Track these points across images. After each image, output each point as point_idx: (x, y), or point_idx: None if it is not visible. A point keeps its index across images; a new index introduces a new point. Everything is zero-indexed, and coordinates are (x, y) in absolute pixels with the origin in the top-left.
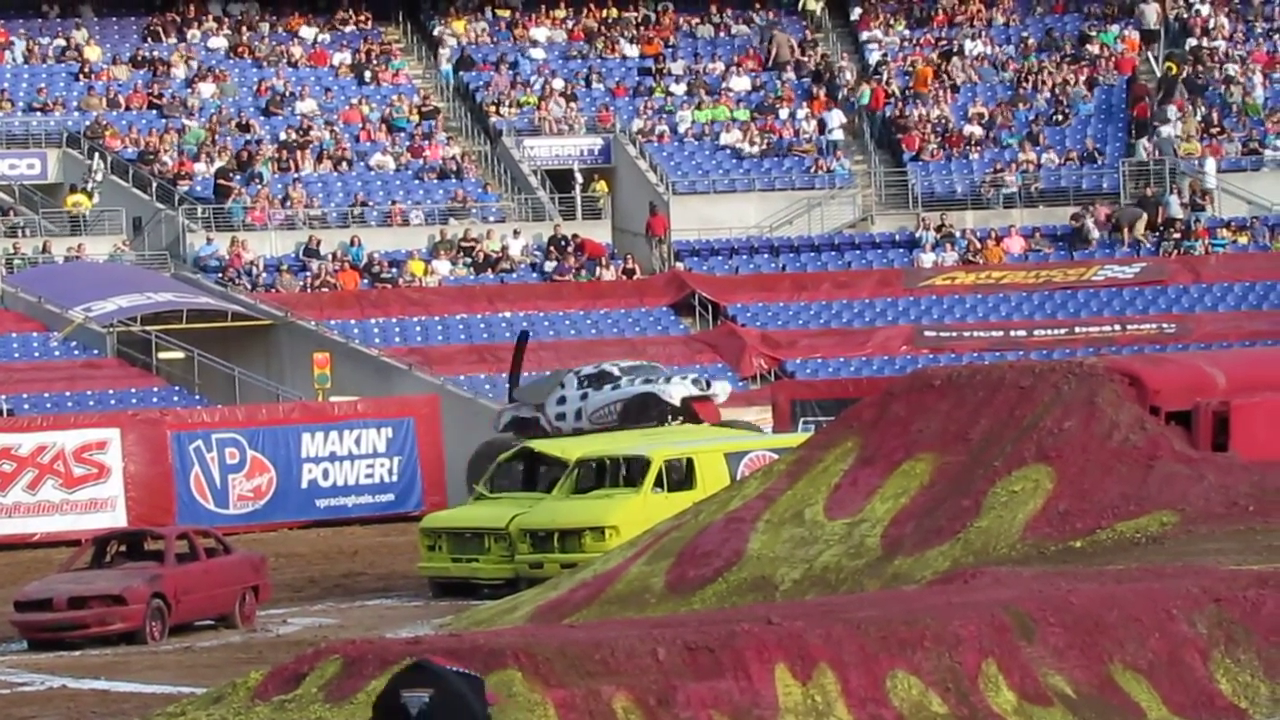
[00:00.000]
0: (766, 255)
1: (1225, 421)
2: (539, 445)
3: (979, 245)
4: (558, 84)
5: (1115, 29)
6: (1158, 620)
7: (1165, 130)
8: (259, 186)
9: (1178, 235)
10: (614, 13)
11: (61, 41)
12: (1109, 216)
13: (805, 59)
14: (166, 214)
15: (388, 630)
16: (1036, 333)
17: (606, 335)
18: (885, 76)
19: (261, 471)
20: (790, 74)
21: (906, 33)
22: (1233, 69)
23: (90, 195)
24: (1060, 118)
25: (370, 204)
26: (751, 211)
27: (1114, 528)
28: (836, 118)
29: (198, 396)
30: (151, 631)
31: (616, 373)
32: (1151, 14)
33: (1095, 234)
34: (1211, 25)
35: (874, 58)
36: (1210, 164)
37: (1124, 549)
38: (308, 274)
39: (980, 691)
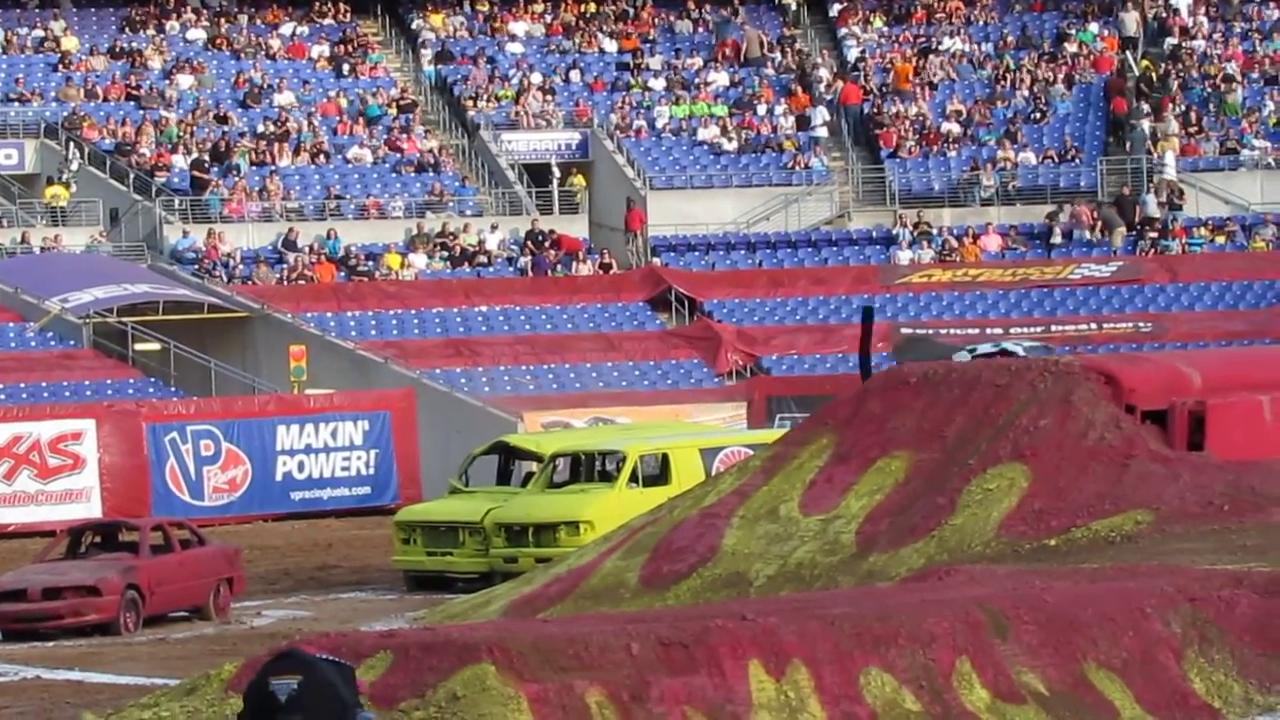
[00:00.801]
0: (743, 251)
1: (1201, 421)
2: (514, 439)
3: (956, 243)
4: (536, 78)
5: (1094, 27)
6: (1132, 619)
7: (1142, 127)
8: (236, 179)
9: (1155, 234)
10: (592, 7)
11: (40, 32)
12: (1094, 217)
13: (783, 55)
14: (144, 205)
15: (362, 623)
16: (1013, 331)
17: (583, 330)
18: (863, 73)
19: (236, 464)
20: (769, 70)
21: (885, 29)
22: (1211, 69)
23: (68, 186)
24: (1038, 116)
25: (347, 197)
26: (729, 207)
27: (1089, 526)
28: (820, 114)
29: (173, 388)
30: (125, 623)
31: (1020, 352)
32: (1131, 21)
33: (1075, 232)
34: (1191, 25)
35: (852, 54)
36: (1170, 158)
37: (1099, 548)
38: (284, 266)
39: (954, 689)
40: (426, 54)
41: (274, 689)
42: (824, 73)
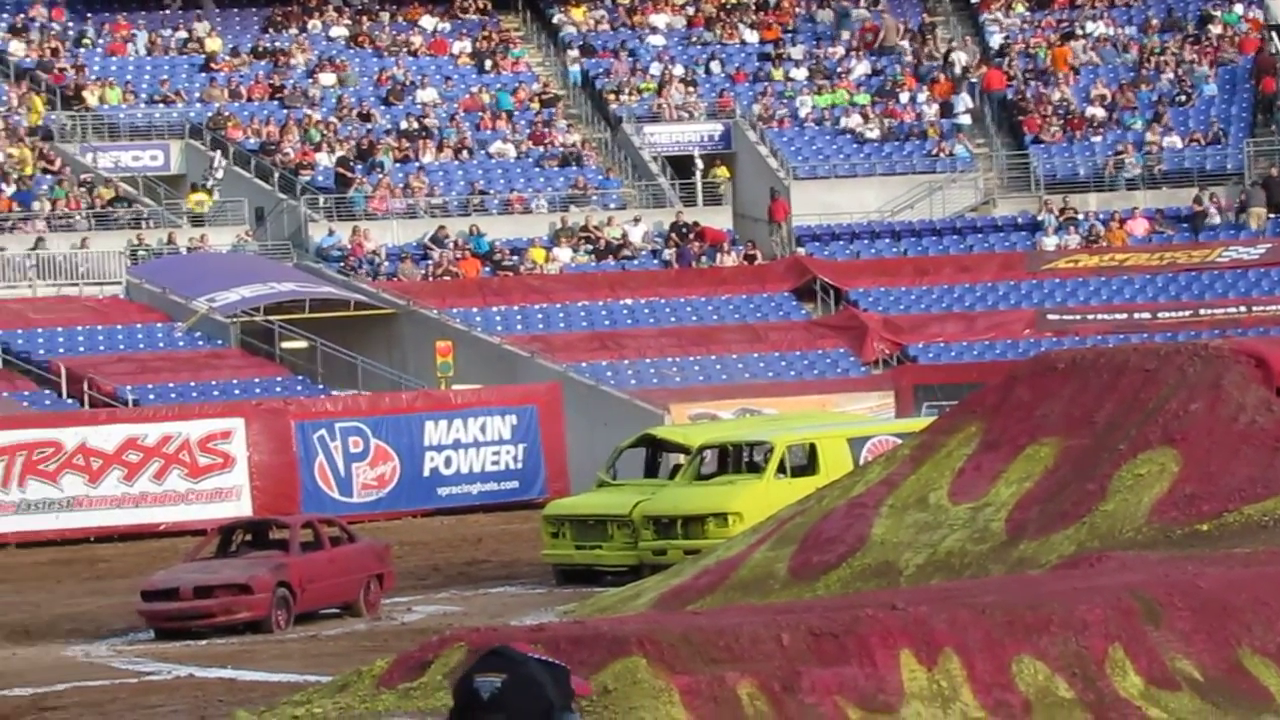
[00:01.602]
0: (888, 240)
1: None
2: (661, 432)
3: (1101, 228)
4: (677, 70)
5: (1239, 8)
6: None
7: None
8: (380, 176)
9: None
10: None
11: (183, 33)
12: (1241, 201)
13: (924, 42)
14: (288, 204)
15: (512, 618)
16: (1160, 315)
17: (728, 321)
18: (1007, 59)
19: (385, 460)
20: (910, 58)
21: (1027, 14)
22: None
23: (210, 192)
24: (1183, 98)
25: (491, 192)
26: (872, 196)
27: (1241, 511)
28: (963, 101)
29: (321, 386)
30: (277, 620)
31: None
32: (1276, 2)
33: (1217, 218)
34: None
35: (995, 40)
36: None
37: (1251, 532)
38: (429, 262)
39: (1107, 676)
40: (573, 54)
41: (477, 686)
42: (962, 55)
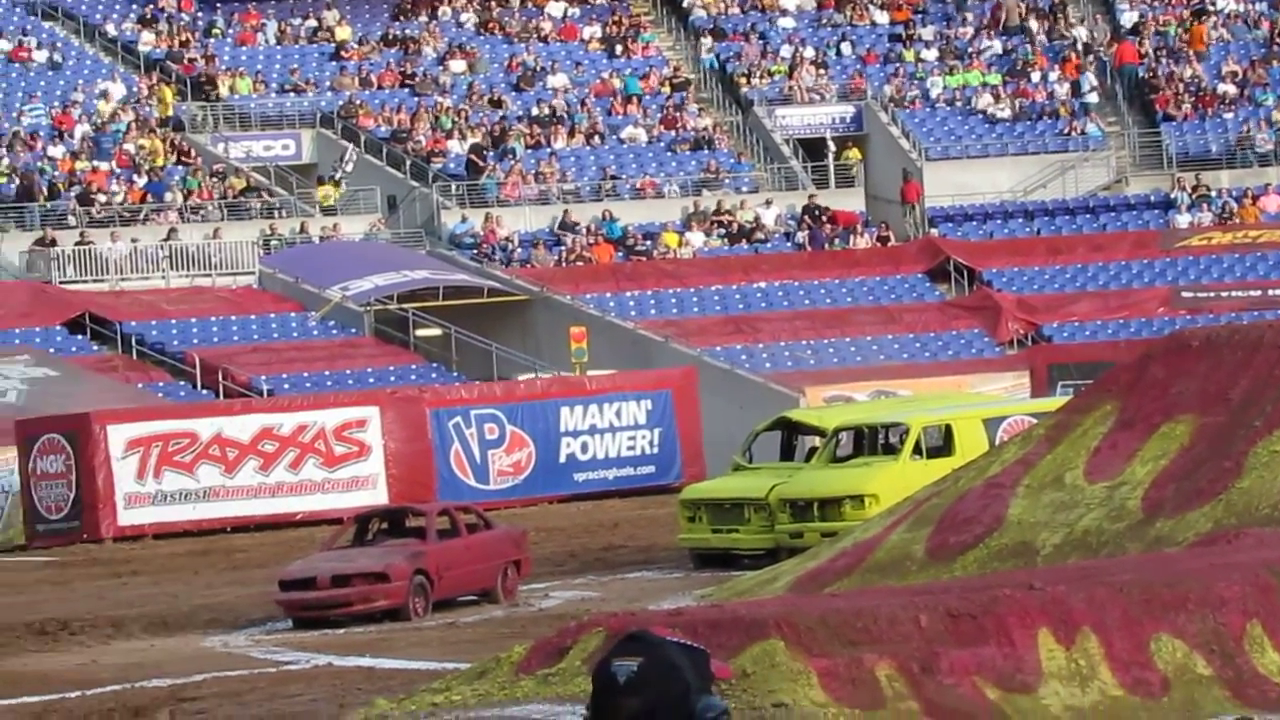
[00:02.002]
0: (1020, 219)
1: None
2: (796, 415)
3: (1235, 205)
4: (808, 53)
5: None
6: None
7: None
8: (512, 162)
9: None
10: None
11: (313, 22)
12: None
13: (1055, 21)
14: (420, 192)
15: (649, 602)
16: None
17: (862, 303)
18: (1141, 37)
19: (521, 446)
20: (1042, 37)
21: None
22: None
23: (338, 185)
24: None
25: (623, 177)
26: (1005, 176)
27: None
28: (1088, 80)
29: (455, 373)
30: (414, 608)
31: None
32: None
33: None
34: None
35: (1126, 19)
36: None
37: None
38: (562, 248)
39: (1245, 653)
40: (706, 42)
41: (615, 671)
42: (1082, 31)
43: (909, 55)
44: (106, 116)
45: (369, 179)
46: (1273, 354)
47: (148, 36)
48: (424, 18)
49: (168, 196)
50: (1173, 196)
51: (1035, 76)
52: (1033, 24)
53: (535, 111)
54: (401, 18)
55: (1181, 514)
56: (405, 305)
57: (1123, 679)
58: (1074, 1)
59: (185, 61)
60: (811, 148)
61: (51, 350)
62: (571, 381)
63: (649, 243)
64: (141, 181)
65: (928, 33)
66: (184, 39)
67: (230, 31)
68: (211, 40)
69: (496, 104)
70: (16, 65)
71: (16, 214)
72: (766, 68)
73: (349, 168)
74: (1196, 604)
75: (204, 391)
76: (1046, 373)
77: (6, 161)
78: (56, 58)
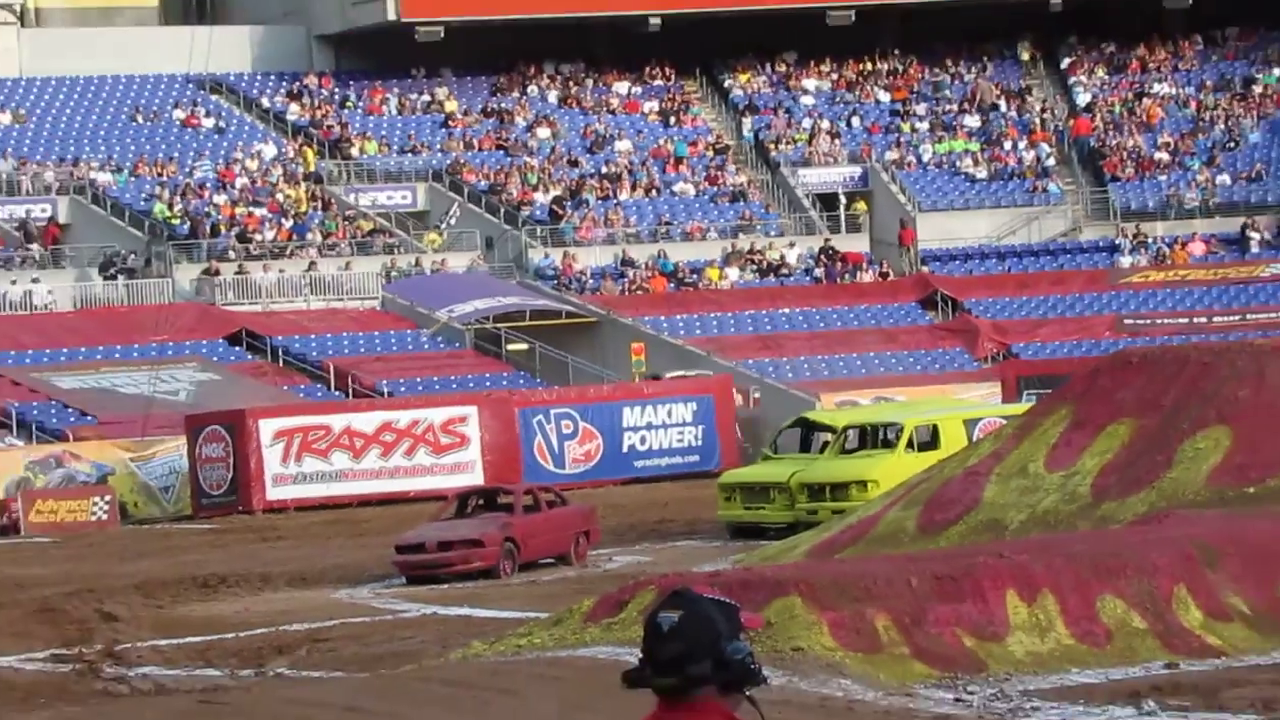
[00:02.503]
0: (995, 260)
1: None
2: (812, 415)
3: (1167, 249)
4: (824, 124)
5: (1277, 71)
6: None
7: None
8: (585, 210)
9: None
10: (869, 66)
11: (427, 97)
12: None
13: (1023, 100)
14: (511, 233)
15: (693, 565)
16: (1215, 319)
17: (866, 326)
18: (1092, 114)
19: (591, 439)
20: (1012, 113)
21: (1106, 77)
22: None
23: (442, 234)
24: (1232, 144)
25: (674, 223)
26: (982, 225)
27: None
28: (1050, 148)
29: (538, 379)
30: (504, 568)
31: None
32: None
33: (1259, 241)
34: None
35: (1081, 99)
36: None
37: None
38: (625, 280)
39: (1173, 611)
40: (747, 122)
41: (660, 621)
42: (1055, 113)
43: (905, 127)
44: (260, 172)
45: (470, 223)
46: (1197, 369)
47: (294, 108)
48: (516, 94)
49: (309, 236)
50: (1117, 242)
51: (1007, 145)
52: (1003, 103)
53: (604, 170)
54: (498, 94)
55: (1122, 498)
56: (499, 324)
57: (1074, 631)
58: (1038, 84)
59: (324, 128)
60: (826, 200)
61: (214, 359)
62: (632, 387)
63: (695, 276)
64: (288, 224)
65: (920, 109)
66: (323, 110)
67: (360, 104)
68: (345, 111)
69: (573, 163)
70: (189, 130)
71: (187, 249)
72: (791, 136)
73: (453, 220)
74: (1134, 571)
75: (336, 392)
76: (1015, 383)
77: (180, 207)
78: (221, 124)
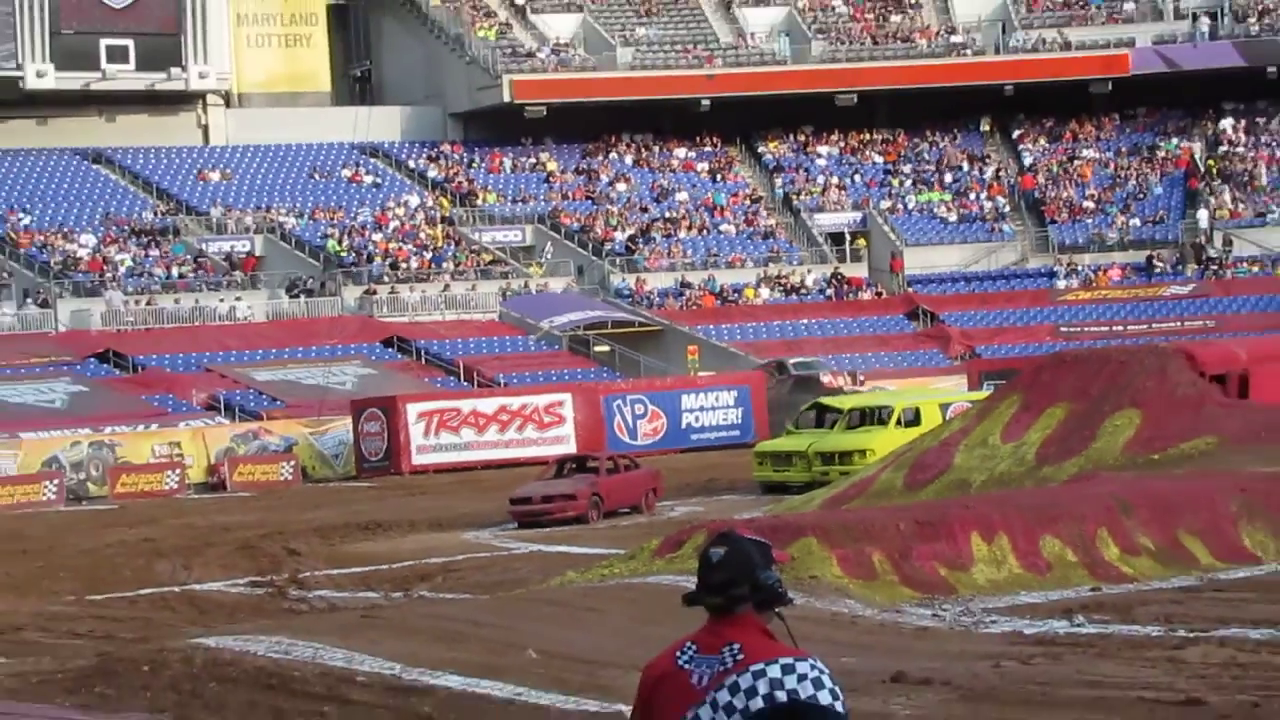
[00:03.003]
0: (963, 283)
1: (1246, 381)
2: (825, 400)
3: (1093, 275)
4: (834, 180)
5: (1175, 140)
6: (1207, 502)
7: (1206, 202)
8: (653, 245)
9: (1215, 267)
10: (867, 136)
11: (533, 159)
12: (1177, 258)
13: (984, 162)
14: (597, 263)
15: (735, 514)
16: (1129, 328)
17: (865, 333)
18: (1035, 172)
19: (657, 419)
20: (975, 172)
21: (1047, 144)
22: (1246, 164)
23: (541, 266)
24: (1141, 196)
25: (720, 255)
26: (954, 256)
27: (1178, 447)
28: (1004, 198)
29: (617, 373)
30: (591, 516)
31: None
32: (1199, 136)
33: (1162, 269)
34: (1235, 139)
35: (1027, 161)
36: (1203, 214)
37: (1186, 459)
38: (683, 298)
39: (1098, 548)
40: (780, 182)
41: (709, 555)
42: (1008, 171)
43: (895, 182)
44: (407, 216)
45: (566, 255)
46: (1116, 366)
47: (433, 168)
48: (600, 157)
49: (444, 265)
50: (1055, 270)
51: (972, 196)
52: (968, 165)
53: (667, 215)
54: (587, 157)
55: (1059, 463)
56: (587, 331)
57: (1023, 563)
58: (995, 151)
59: (455, 183)
60: (835, 238)
61: (373, 358)
62: (689, 379)
63: (735, 295)
64: (428, 255)
65: (906, 169)
66: (455, 170)
67: (482, 165)
68: (471, 170)
69: (644, 210)
70: (354, 185)
71: (352, 275)
72: (808, 189)
73: (548, 255)
74: (1068, 518)
75: (465, 383)
76: (978, 376)
77: (346, 243)
78: (377, 181)
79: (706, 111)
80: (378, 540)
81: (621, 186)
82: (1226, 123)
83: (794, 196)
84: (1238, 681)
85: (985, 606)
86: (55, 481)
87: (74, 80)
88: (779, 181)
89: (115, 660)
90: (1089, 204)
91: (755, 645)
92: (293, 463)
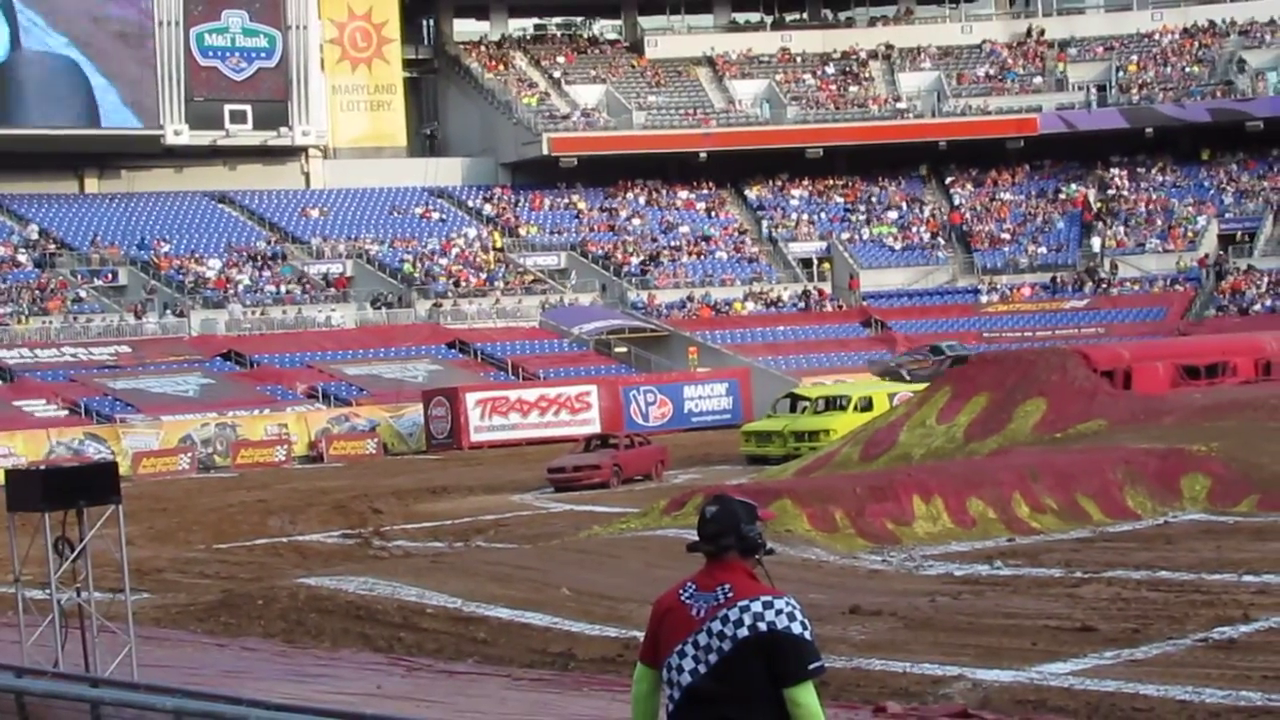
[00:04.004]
0: (907, 298)
1: (1130, 376)
2: (797, 391)
3: (1009, 292)
4: (805, 216)
5: (1074, 185)
6: (1099, 471)
7: (1099, 232)
8: (661, 268)
9: (1105, 286)
10: (830, 182)
11: (566, 199)
12: (1075, 279)
13: (924, 201)
14: (617, 282)
15: (727, 480)
16: (1037, 334)
17: (828, 338)
18: (963, 209)
19: (665, 405)
20: (916, 209)
21: (973, 188)
22: (1129, 205)
23: (568, 280)
24: (1047, 229)
25: (714, 275)
26: (900, 277)
27: (1076, 428)
28: (939, 231)
29: (633, 369)
30: (612, 482)
31: (944, 348)
32: (1093, 184)
33: (1064, 288)
34: (1120, 184)
35: (957, 200)
36: (1096, 243)
37: (1083, 438)
38: (685, 309)
39: (1011, 508)
40: (762, 218)
41: (705, 511)
42: (929, 207)
43: (853, 218)
44: (467, 245)
45: (592, 276)
46: (1026, 364)
47: (487, 207)
48: (620, 197)
49: (496, 284)
50: (979, 288)
51: (913, 229)
52: (909, 204)
53: (672, 244)
54: (609, 198)
55: (982, 440)
56: (610, 335)
57: (953, 519)
58: (931, 193)
59: (505, 219)
60: (806, 263)
61: (440, 357)
62: (690, 374)
63: (728, 307)
64: (483, 276)
65: (862, 208)
66: (504, 208)
67: (526, 204)
68: (518, 208)
69: (654, 240)
70: (425, 220)
71: (423, 291)
72: (785, 223)
73: (573, 281)
74: (988, 483)
75: (512, 377)
76: None
77: (420, 266)
78: (443, 217)
79: (704, 162)
80: (443, 501)
81: (636, 221)
82: (1114, 172)
83: (773, 229)
84: (1122, 612)
85: (923, 554)
86: (189, 455)
87: (204, 137)
88: (761, 218)
89: (236, 596)
90: (1006, 235)
91: (742, 585)
92: (376, 440)
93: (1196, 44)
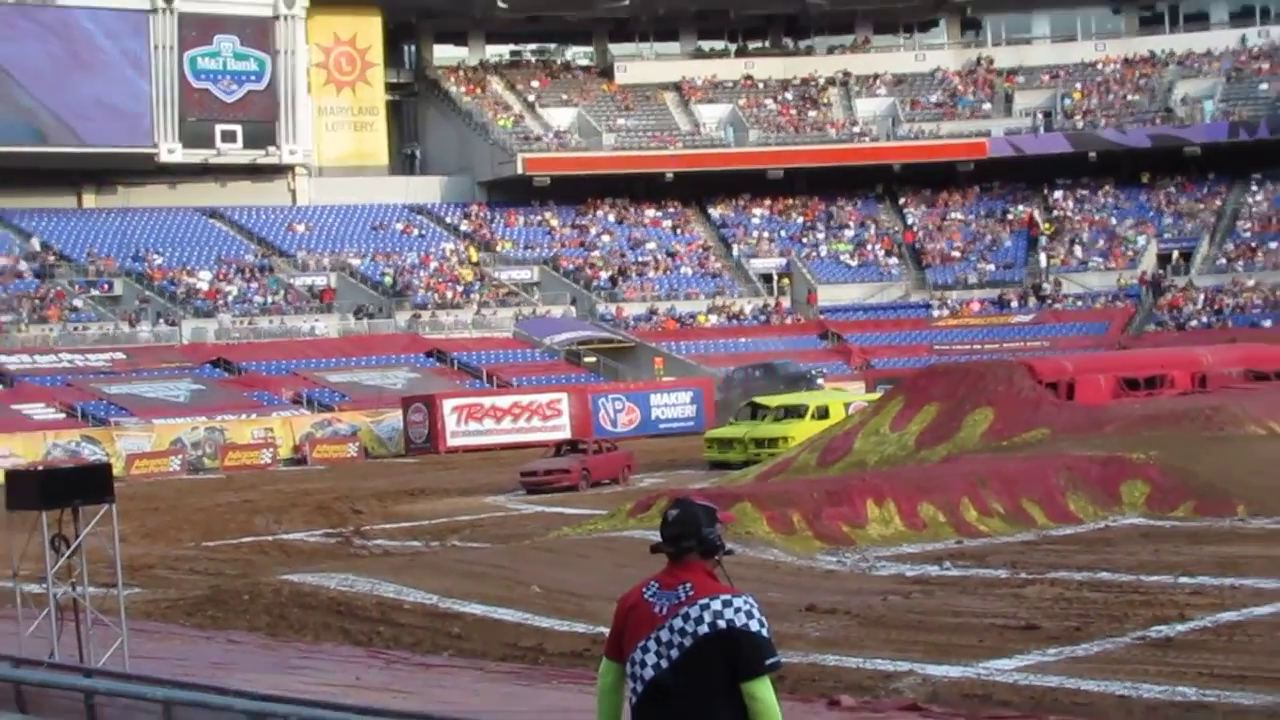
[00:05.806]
0: (863, 312)
1: (1073, 387)
2: (757, 399)
3: (959, 306)
4: (766, 234)
5: (1021, 206)
6: (1043, 476)
7: (1043, 252)
8: (630, 282)
9: (1049, 301)
10: (790, 201)
11: (540, 216)
12: (1022, 295)
13: (879, 220)
14: (587, 295)
15: (690, 484)
16: (986, 347)
17: (789, 349)
18: (915, 229)
19: (633, 412)
20: (873, 228)
21: (926, 208)
22: (1072, 225)
23: (534, 297)
24: (996, 248)
25: (679, 290)
26: (856, 293)
27: (1021, 436)
28: (893, 249)
29: (602, 378)
30: (581, 486)
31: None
32: (1038, 204)
33: (1013, 302)
34: (1065, 205)
35: (910, 220)
36: (1041, 260)
37: (1027, 445)
38: (651, 322)
39: (960, 512)
40: (725, 235)
41: (668, 514)
42: (884, 225)
43: (811, 236)
44: (444, 259)
45: (562, 289)
46: (975, 375)
47: (464, 223)
48: (590, 214)
49: (472, 296)
50: (931, 303)
51: (868, 247)
52: (864, 223)
53: (640, 259)
54: (580, 215)
55: (932, 447)
56: (580, 346)
57: (905, 522)
58: (886, 212)
59: (481, 234)
60: (766, 278)
61: (418, 365)
62: (656, 383)
63: (692, 320)
64: (460, 288)
65: (820, 226)
66: (480, 223)
67: (501, 220)
68: (493, 224)
69: (622, 255)
70: (405, 235)
71: (404, 302)
72: (747, 240)
73: (540, 294)
74: (939, 489)
75: (487, 384)
76: (872, 382)
77: (399, 279)
78: (422, 233)
79: (670, 182)
80: (420, 503)
81: (605, 238)
82: (1058, 194)
83: (735, 246)
84: (1065, 611)
85: (876, 555)
86: (179, 457)
87: (196, 155)
88: (724, 235)
89: (223, 591)
90: (956, 253)
91: (702, 584)
92: (357, 444)
93: (1137, 73)
